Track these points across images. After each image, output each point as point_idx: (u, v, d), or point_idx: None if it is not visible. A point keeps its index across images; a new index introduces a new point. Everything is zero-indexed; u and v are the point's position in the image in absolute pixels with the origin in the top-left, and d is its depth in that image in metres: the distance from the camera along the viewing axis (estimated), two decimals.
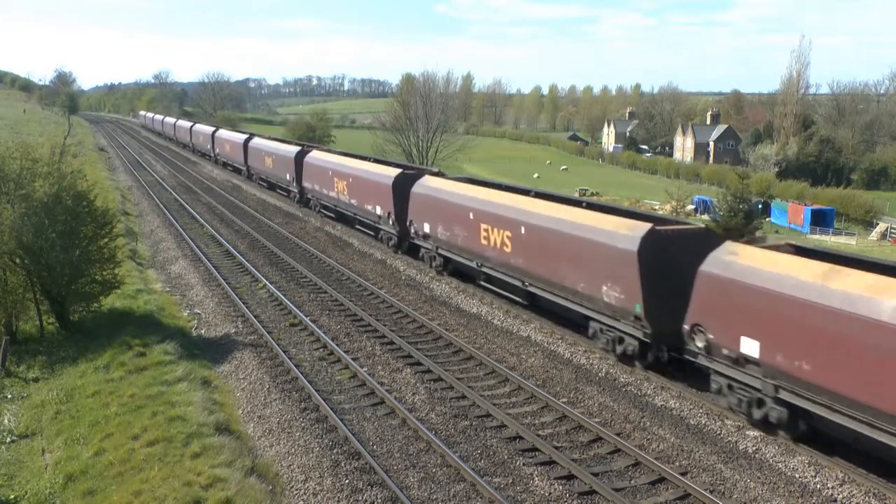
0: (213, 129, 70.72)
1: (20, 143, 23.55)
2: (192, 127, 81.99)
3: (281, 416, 15.24)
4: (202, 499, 11.73)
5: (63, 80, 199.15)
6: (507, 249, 21.26)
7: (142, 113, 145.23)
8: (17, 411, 16.36)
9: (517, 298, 21.65)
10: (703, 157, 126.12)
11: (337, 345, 19.14)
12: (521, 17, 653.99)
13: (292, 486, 12.66)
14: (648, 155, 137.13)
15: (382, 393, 16.03)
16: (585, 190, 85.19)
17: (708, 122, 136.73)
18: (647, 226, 16.43)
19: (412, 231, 27.89)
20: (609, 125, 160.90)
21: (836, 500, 12.08)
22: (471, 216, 22.98)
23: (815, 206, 71.61)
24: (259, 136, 56.76)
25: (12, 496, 12.80)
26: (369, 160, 35.79)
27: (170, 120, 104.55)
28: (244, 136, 56.45)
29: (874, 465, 12.62)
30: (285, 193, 46.19)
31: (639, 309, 16.32)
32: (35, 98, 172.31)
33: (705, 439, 14.16)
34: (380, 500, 12.07)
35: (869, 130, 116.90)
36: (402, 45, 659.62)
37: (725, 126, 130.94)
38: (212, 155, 68.18)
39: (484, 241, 22.40)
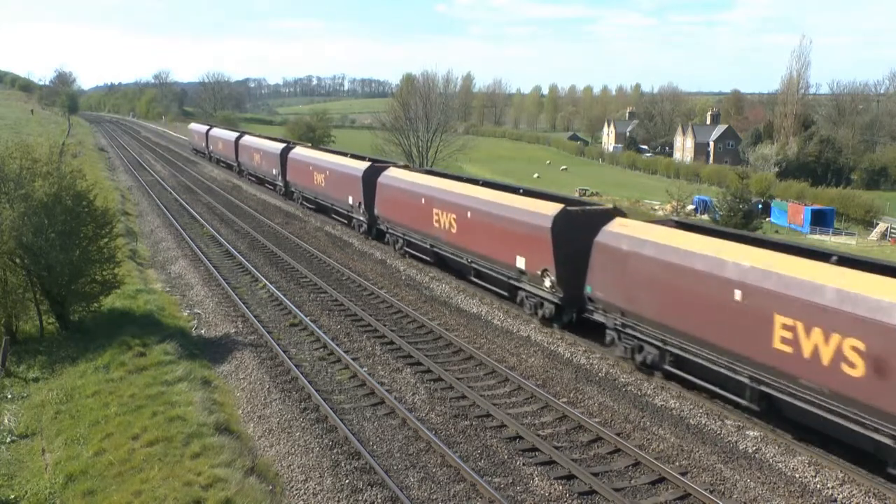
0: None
1: (20, 142, 23.50)
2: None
3: (281, 416, 15.24)
4: (202, 499, 11.72)
5: (63, 80, 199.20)
6: (322, 184, 37.11)
7: (193, 127, 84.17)
8: (17, 411, 16.36)
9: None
10: (703, 157, 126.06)
11: (337, 345, 19.14)
12: (521, 17, 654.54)
13: (292, 486, 12.66)
14: (648, 155, 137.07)
15: (382, 393, 16.02)
16: (586, 189, 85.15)
17: (708, 122, 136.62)
18: (368, 163, 32.54)
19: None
20: (609, 125, 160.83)
21: (836, 500, 12.08)
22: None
23: (815, 206, 71.59)
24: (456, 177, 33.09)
25: (12, 496, 12.80)
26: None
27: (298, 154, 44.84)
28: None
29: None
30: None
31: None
32: (35, 98, 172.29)
33: (705, 439, 14.16)
34: (380, 500, 12.07)
35: (869, 130, 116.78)
36: (402, 45, 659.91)
37: (725, 126, 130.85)
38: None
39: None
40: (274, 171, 46.22)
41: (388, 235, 30.18)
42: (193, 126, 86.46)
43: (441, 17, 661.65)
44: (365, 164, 32.25)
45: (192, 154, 78.98)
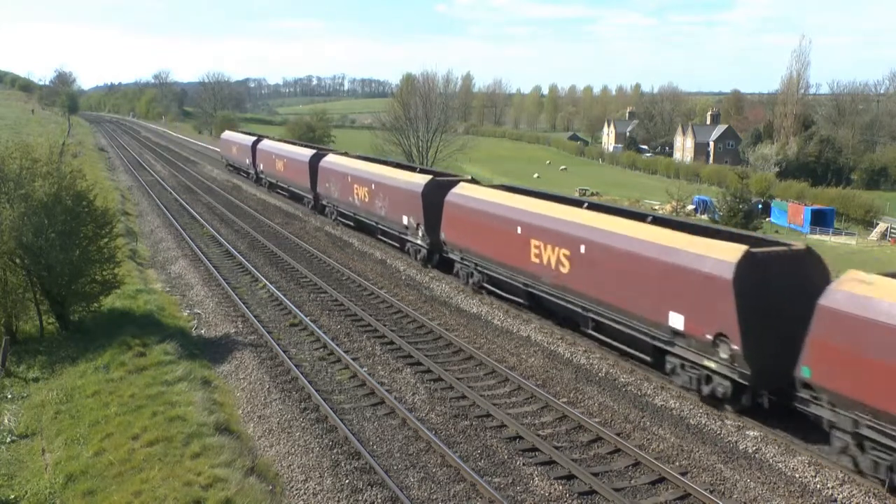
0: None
1: (20, 142, 23.49)
2: None
3: (281, 416, 15.24)
4: (202, 499, 11.72)
5: (63, 80, 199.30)
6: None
7: (230, 137, 62.05)
8: (17, 411, 16.35)
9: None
10: (703, 157, 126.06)
11: (337, 345, 19.14)
12: (521, 17, 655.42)
13: (292, 486, 12.66)
14: (648, 155, 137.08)
15: (382, 393, 16.02)
16: (586, 190, 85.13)
17: (708, 122, 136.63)
18: (429, 177, 27.49)
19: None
20: (609, 125, 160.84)
21: (836, 500, 12.08)
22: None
23: (815, 206, 71.58)
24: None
25: (12, 496, 12.80)
26: None
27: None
28: None
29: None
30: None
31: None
32: (35, 98, 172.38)
33: (705, 439, 14.16)
34: (380, 500, 12.07)
35: (869, 130, 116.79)
36: (402, 45, 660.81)
37: (725, 126, 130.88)
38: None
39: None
40: (405, 220, 28.27)
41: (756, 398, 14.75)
42: (230, 135, 62.50)
43: (441, 17, 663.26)
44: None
45: (192, 154, 78.93)
